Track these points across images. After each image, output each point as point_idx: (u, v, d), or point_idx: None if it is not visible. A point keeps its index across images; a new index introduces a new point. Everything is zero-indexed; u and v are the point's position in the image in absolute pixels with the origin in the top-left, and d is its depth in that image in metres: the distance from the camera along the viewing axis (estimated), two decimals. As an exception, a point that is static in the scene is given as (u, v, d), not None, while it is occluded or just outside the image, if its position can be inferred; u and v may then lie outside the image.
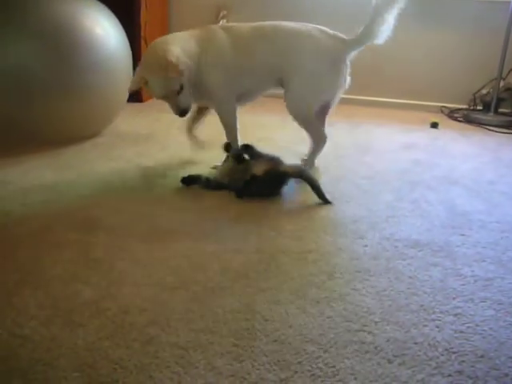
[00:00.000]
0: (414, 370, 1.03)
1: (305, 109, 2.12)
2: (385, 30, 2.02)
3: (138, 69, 1.97)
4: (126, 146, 2.50)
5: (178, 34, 2.07)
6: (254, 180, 1.87)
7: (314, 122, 2.16)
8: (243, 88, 2.13)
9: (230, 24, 2.18)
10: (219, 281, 1.33)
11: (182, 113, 1.98)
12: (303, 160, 2.23)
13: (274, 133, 2.80)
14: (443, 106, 3.78)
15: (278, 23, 2.14)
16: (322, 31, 2.11)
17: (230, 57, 2.05)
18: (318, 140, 2.18)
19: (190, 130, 2.29)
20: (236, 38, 2.07)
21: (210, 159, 2.21)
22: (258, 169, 1.88)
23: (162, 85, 1.90)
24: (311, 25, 2.13)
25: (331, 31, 2.12)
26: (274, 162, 1.93)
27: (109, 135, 2.65)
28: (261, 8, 3.83)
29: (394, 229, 1.69)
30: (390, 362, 1.05)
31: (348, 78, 2.14)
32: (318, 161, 2.24)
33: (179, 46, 1.96)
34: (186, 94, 1.96)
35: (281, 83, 2.13)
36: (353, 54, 2.12)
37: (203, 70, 2.02)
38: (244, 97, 2.17)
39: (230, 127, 2.14)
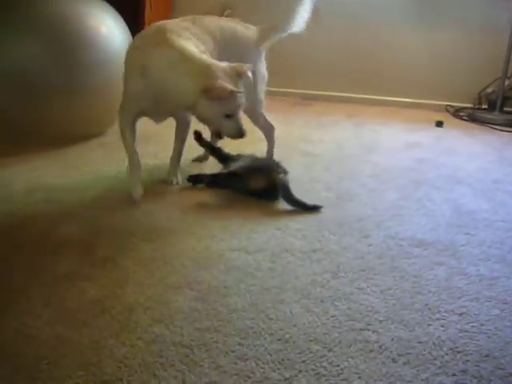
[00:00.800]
0: (419, 369, 1.03)
1: (262, 106, 2.17)
2: (295, 23, 2.06)
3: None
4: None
5: (181, 43, 1.74)
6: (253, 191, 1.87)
7: (264, 116, 2.20)
8: None
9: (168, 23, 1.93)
10: (223, 280, 1.33)
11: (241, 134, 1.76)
12: None
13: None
14: (448, 105, 3.76)
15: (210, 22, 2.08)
16: (245, 26, 2.11)
17: None
18: (272, 131, 2.24)
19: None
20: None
21: (213, 160, 2.20)
22: (257, 183, 1.86)
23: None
24: (228, 19, 2.14)
25: (244, 24, 2.13)
26: (270, 173, 1.88)
27: (113, 135, 2.64)
28: (265, 6, 3.82)
29: (398, 228, 1.69)
30: (394, 361, 1.05)
31: None
32: (323, 159, 2.23)
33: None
34: None
35: None
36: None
37: None
38: None
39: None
